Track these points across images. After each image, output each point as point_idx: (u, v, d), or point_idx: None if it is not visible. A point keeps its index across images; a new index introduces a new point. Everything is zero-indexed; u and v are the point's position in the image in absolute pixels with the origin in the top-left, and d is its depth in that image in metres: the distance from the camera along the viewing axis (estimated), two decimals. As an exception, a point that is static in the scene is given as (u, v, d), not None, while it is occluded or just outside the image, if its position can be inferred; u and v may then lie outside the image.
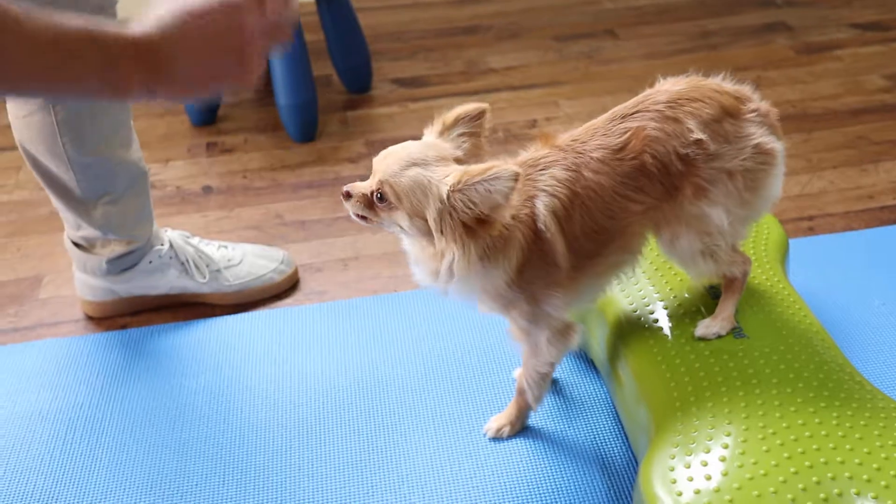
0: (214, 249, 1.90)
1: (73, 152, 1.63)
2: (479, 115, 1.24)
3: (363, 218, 1.24)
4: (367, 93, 2.76)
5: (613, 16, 3.24)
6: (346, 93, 2.77)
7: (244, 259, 1.90)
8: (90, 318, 1.89)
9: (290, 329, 1.80)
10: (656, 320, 1.43)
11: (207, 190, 2.31)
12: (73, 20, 0.88)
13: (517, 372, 1.58)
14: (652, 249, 1.50)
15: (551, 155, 1.27)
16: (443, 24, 3.26)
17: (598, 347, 1.51)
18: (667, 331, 1.40)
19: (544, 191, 1.23)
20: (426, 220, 1.18)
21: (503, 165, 1.13)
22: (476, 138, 1.24)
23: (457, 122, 1.24)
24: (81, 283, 1.86)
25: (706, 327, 1.38)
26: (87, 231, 1.77)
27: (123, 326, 1.85)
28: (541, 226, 1.22)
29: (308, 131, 2.49)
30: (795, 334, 1.36)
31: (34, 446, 1.56)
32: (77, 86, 0.90)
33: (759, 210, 1.35)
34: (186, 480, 1.48)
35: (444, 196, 1.15)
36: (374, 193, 1.20)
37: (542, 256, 1.25)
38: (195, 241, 1.89)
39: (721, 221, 1.29)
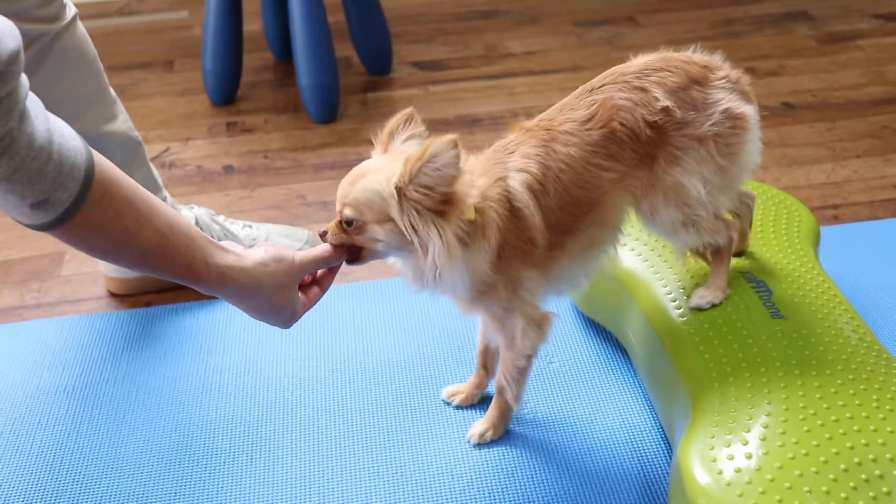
0: (239, 228, 1.89)
1: None
2: (409, 119, 1.25)
3: (354, 258, 1.23)
4: (387, 75, 2.75)
5: (633, 2, 3.23)
6: (366, 74, 2.76)
7: (269, 238, 1.89)
8: (113, 294, 1.88)
9: (315, 308, 1.78)
10: (690, 300, 1.42)
11: (229, 169, 2.31)
12: (183, 222, 1.05)
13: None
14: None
15: (518, 137, 1.28)
16: (462, 7, 3.24)
17: (632, 332, 1.50)
18: (703, 312, 1.39)
19: (516, 168, 1.24)
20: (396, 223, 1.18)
21: (436, 140, 1.13)
22: (420, 138, 1.25)
23: (392, 134, 1.24)
24: (105, 259, 1.86)
25: (700, 297, 1.40)
26: None
27: (148, 304, 1.85)
28: (517, 204, 1.23)
29: (329, 112, 2.48)
30: (831, 318, 1.35)
31: (60, 422, 1.56)
32: (151, 270, 1.06)
33: (737, 177, 1.35)
34: (214, 458, 1.48)
35: (394, 191, 1.15)
36: (342, 221, 1.21)
37: (518, 235, 1.24)
38: (221, 219, 1.88)
39: (698, 191, 1.30)
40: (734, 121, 1.30)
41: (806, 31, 2.94)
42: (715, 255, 1.42)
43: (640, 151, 1.28)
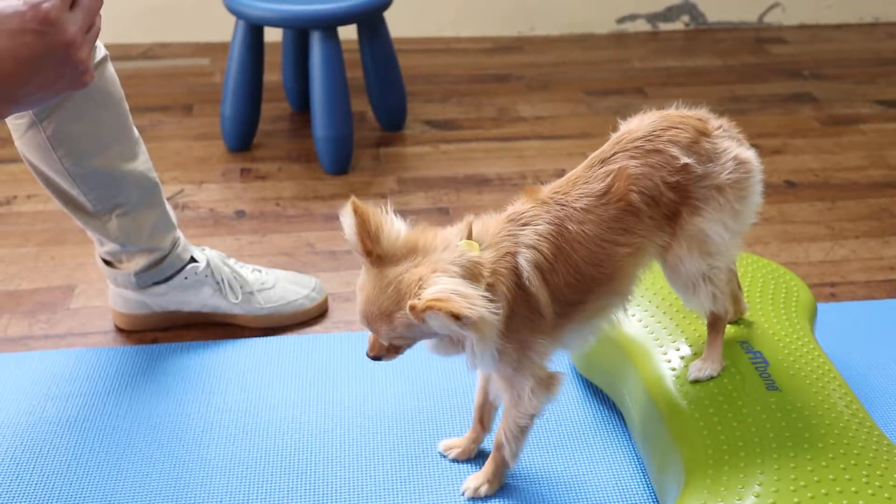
0: (249, 272, 1.93)
1: (71, 165, 1.65)
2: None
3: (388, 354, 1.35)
4: (400, 131, 2.82)
5: (643, 75, 3.31)
6: (379, 130, 2.82)
7: (277, 284, 1.93)
8: (120, 330, 1.91)
9: (319, 355, 1.83)
10: (688, 373, 1.45)
11: (241, 214, 2.35)
12: None
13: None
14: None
15: (533, 209, 1.29)
16: (476, 70, 3.33)
17: (628, 396, 1.52)
18: (701, 382, 1.43)
19: (528, 245, 1.25)
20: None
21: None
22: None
23: (377, 231, 1.29)
24: (115, 294, 1.89)
25: (699, 370, 1.43)
26: (109, 246, 1.80)
27: (153, 341, 1.88)
28: (525, 280, 1.25)
29: (342, 164, 2.54)
30: (825, 392, 1.39)
31: (62, 453, 1.58)
32: None
33: (748, 220, 1.39)
34: (211, 496, 1.49)
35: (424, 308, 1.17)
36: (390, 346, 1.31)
37: (526, 306, 1.27)
38: (231, 262, 1.92)
39: (720, 238, 1.33)
40: (744, 165, 1.34)
41: (810, 112, 3.02)
42: (711, 326, 1.45)
43: (658, 216, 1.30)
